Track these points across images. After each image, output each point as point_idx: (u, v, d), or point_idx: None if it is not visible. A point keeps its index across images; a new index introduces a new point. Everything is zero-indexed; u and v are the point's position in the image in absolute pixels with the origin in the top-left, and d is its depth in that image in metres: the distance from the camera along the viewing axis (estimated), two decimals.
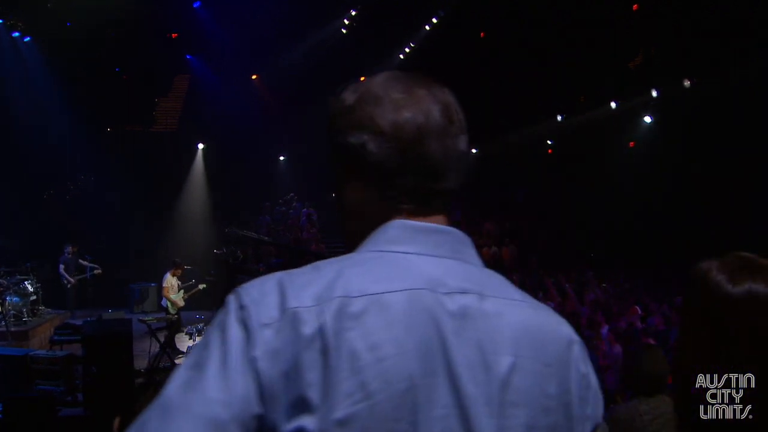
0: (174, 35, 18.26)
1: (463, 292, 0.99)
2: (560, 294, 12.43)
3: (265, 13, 16.78)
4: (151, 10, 15.92)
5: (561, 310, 11.24)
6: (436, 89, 1.11)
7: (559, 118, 19.13)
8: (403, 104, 1.07)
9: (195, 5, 17.68)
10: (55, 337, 9.92)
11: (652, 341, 8.45)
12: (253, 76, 20.98)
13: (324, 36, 19.76)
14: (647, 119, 16.59)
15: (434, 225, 1.05)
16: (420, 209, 1.06)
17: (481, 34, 18.48)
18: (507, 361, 0.97)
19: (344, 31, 19.95)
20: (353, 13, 19.56)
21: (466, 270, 1.03)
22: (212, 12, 17.74)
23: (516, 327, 1.00)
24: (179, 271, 12.80)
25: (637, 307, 10.63)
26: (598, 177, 16.91)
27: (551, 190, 19.19)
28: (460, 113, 1.12)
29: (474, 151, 22.57)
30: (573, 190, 17.93)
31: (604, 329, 9.31)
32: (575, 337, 1.07)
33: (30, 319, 12.72)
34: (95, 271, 14.93)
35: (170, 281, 12.53)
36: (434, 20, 19.43)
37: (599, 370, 8.48)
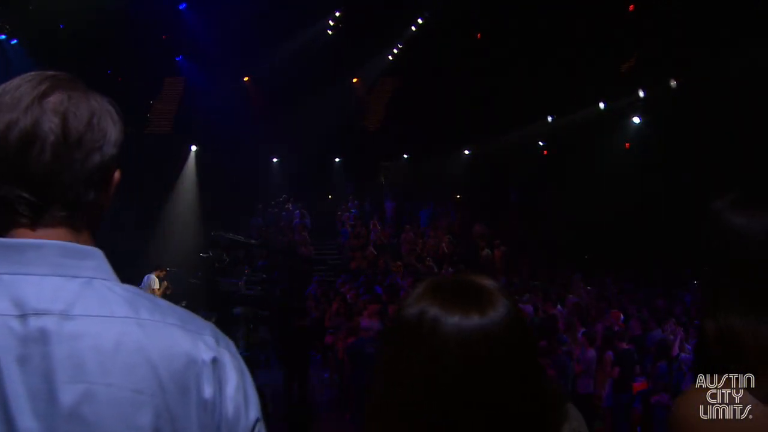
0: (165, 37, 18.20)
1: (43, 313, 0.92)
2: (544, 296, 12.43)
3: (249, 14, 16.74)
4: (139, 11, 15.83)
5: (540, 312, 11.28)
6: (70, 95, 1.04)
7: (549, 119, 19.18)
8: (10, 109, 0.99)
9: (180, 7, 17.59)
10: None
11: (626, 345, 8.51)
12: (245, 78, 20.95)
13: (311, 36, 19.74)
14: (636, 120, 16.64)
15: (28, 240, 0.98)
16: (23, 223, 0.99)
17: (478, 35, 18.47)
18: (77, 389, 0.89)
19: (330, 32, 19.92)
20: (337, 13, 19.53)
21: (60, 287, 0.95)
22: (198, 13, 17.65)
23: (101, 349, 0.92)
24: (162, 272, 12.98)
25: (620, 313, 10.58)
26: (590, 178, 16.95)
27: (545, 191, 19.21)
28: (92, 126, 1.06)
29: (467, 152, 22.67)
30: (566, 191, 17.94)
31: (580, 333, 9.29)
32: (206, 356, 0.98)
33: None
34: None
35: (157, 283, 12.78)
36: (419, 21, 19.41)
37: (574, 376, 8.55)
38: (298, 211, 20.45)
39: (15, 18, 15.66)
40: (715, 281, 1.29)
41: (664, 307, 11.35)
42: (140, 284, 12.84)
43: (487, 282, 1.05)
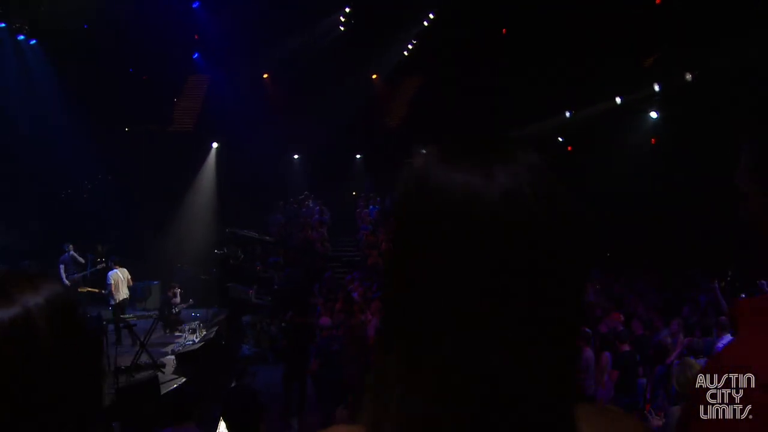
0: (196, 36, 18.33)
1: None
2: None
3: (262, 11, 16.79)
4: (152, 10, 15.89)
5: None
6: None
7: (567, 114, 19.04)
8: None
9: (194, 5, 17.64)
10: None
11: (627, 347, 8.43)
12: (264, 75, 21.03)
13: (326, 32, 19.80)
14: (653, 114, 16.44)
15: None
16: None
17: (503, 30, 18.37)
18: None
19: (342, 28, 19.93)
20: (347, 9, 19.52)
21: None
22: (211, 11, 17.71)
23: None
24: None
25: (620, 314, 10.45)
26: (607, 173, 16.77)
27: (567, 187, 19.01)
28: None
29: None
30: (584, 187, 17.77)
31: None
32: None
33: None
34: (99, 266, 14.97)
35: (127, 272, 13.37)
36: (431, 16, 19.35)
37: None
38: (318, 208, 20.51)
39: (33, 18, 15.81)
40: (396, 267, 0.86)
41: (674, 307, 11.22)
42: (107, 280, 13.15)
43: (26, 277, 1.00)
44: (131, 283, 13.36)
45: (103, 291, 13.42)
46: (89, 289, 13.82)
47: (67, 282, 14.27)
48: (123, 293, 13.15)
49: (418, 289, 0.80)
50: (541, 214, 0.80)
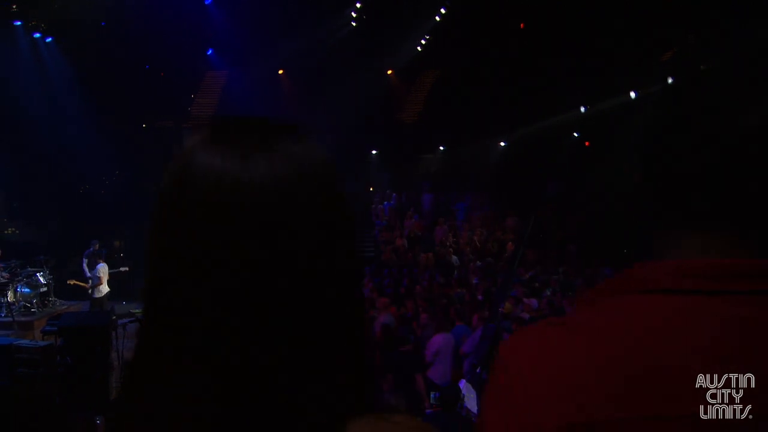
0: (211, 34, 18.40)
1: None
2: (561, 291, 12.34)
3: (274, 7, 16.81)
4: (165, 6, 15.92)
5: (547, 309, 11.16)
6: None
7: (582, 109, 18.89)
8: None
9: (206, 2, 17.67)
10: (47, 328, 10.05)
11: None
12: (280, 71, 21.08)
13: (340, 27, 19.80)
14: None
15: None
16: None
17: (521, 25, 18.25)
18: None
19: (354, 23, 19.90)
20: (358, 5, 19.47)
21: None
22: (225, 8, 17.74)
23: None
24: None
25: None
26: (628, 169, 16.61)
27: (582, 183, 18.90)
28: None
29: (502, 144, 22.46)
30: (599, 183, 17.65)
31: None
32: None
33: (39, 310, 13.09)
34: (121, 269, 15.07)
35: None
36: (443, 11, 19.24)
37: None
38: None
39: (49, 16, 15.91)
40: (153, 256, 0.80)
41: None
42: (96, 272, 13.21)
43: None
44: (108, 277, 13.39)
45: (87, 284, 13.44)
46: (75, 282, 13.86)
47: (89, 275, 14.42)
48: (106, 287, 13.21)
49: (173, 281, 0.75)
50: (297, 206, 0.76)
